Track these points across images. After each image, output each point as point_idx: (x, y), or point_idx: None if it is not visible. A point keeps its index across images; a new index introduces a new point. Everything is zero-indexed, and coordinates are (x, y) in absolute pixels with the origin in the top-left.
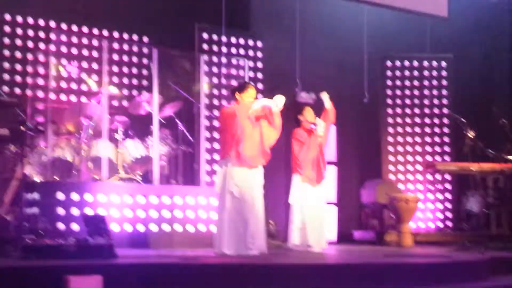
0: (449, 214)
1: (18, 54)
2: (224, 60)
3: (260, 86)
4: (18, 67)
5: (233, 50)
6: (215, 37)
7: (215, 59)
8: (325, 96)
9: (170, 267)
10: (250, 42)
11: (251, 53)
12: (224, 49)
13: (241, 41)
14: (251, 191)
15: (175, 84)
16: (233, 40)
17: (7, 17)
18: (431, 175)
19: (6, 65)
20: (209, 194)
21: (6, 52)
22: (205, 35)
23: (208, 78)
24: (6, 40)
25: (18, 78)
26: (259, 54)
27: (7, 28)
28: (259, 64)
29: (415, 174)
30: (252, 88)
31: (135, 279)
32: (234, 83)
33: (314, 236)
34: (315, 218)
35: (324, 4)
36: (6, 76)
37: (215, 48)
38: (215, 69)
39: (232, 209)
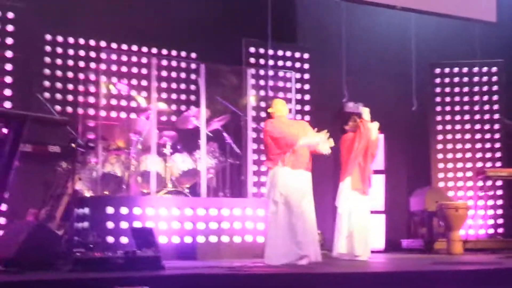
0: (500, 221)
1: (69, 74)
2: (271, 72)
3: (307, 97)
4: (70, 86)
5: (280, 63)
6: (261, 50)
7: (262, 72)
8: (374, 126)
9: (217, 277)
10: (297, 54)
11: (297, 65)
12: (271, 62)
13: (288, 53)
14: (298, 197)
15: (222, 98)
16: (280, 53)
17: (59, 38)
18: (481, 182)
19: (59, 85)
20: (256, 205)
21: (59, 73)
22: (252, 49)
23: (255, 91)
24: (58, 61)
25: (70, 97)
26: (306, 66)
27: (59, 49)
28: (306, 76)
29: (466, 181)
30: (279, 102)
31: None
32: (281, 95)
33: (361, 245)
34: (362, 227)
35: (371, 14)
36: (59, 96)
37: (262, 61)
38: (262, 82)
39: (278, 218)
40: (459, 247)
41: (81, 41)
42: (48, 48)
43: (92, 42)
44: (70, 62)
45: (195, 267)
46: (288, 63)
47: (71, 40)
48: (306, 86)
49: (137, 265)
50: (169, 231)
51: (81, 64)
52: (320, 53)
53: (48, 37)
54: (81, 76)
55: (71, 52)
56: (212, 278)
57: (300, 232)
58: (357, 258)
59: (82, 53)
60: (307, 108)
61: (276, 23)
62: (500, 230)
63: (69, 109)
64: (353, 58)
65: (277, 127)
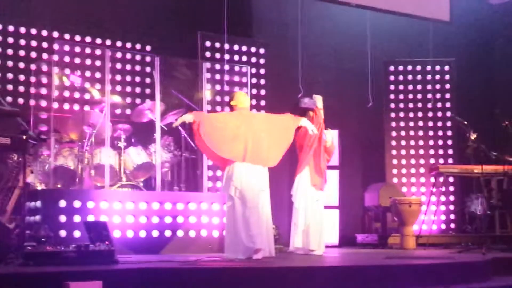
0: (452, 216)
1: (21, 65)
2: (226, 67)
3: (262, 92)
4: (22, 77)
5: (236, 57)
6: (217, 44)
7: (217, 66)
8: (329, 134)
9: (171, 271)
10: (253, 49)
11: (253, 60)
12: (226, 56)
13: (244, 48)
14: (253, 192)
15: (178, 91)
16: (236, 47)
17: (11, 28)
18: (434, 178)
19: (10, 75)
20: (212, 199)
21: (10, 63)
22: (208, 43)
23: (210, 85)
24: (9, 51)
25: (21, 88)
26: (262, 61)
27: (10, 39)
28: (262, 71)
29: (419, 177)
30: (241, 94)
31: (136, 284)
32: (236, 89)
33: (316, 239)
34: (318, 222)
35: (327, 10)
36: (10, 86)
37: (217, 55)
38: (217, 76)
39: (233, 213)
40: (412, 242)
41: (33, 31)
42: None
43: (44, 33)
44: (22, 53)
45: (149, 261)
46: (244, 58)
47: (22, 30)
48: (262, 81)
49: (90, 259)
50: (123, 225)
51: (33, 54)
52: (276, 48)
53: None
54: (33, 67)
55: (22, 42)
56: (167, 272)
57: (254, 226)
58: (312, 252)
59: (34, 43)
60: (262, 103)
61: (232, 17)
62: (452, 226)
63: (21, 100)
64: (309, 54)
65: (211, 138)
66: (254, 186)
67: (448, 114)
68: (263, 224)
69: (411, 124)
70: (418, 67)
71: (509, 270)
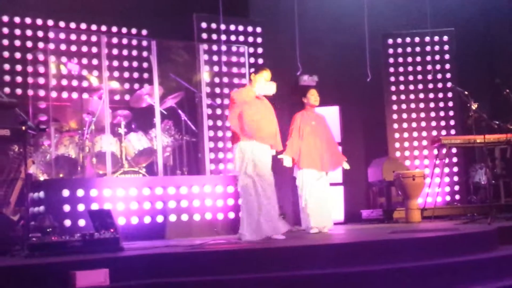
0: (457, 188)
1: (17, 55)
2: (224, 48)
3: None
4: (18, 67)
5: (233, 38)
6: (213, 25)
7: (214, 47)
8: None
9: (177, 256)
10: (249, 29)
11: (250, 39)
12: (223, 37)
13: (240, 28)
14: (266, 170)
15: (176, 75)
16: (232, 27)
17: (5, 18)
18: (437, 150)
19: (6, 66)
20: (215, 182)
21: (6, 54)
22: (204, 24)
23: (208, 66)
24: (5, 42)
25: (19, 79)
26: (259, 40)
27: (5, 30)
28: (259, 50)
29: (421, 150)
30: (266, 71)
31: (142, 270)
32: (234, 70)
33: (323, 217)
34: (323, 200)
35: None
36: (7, 77)
37: (214, 36)
38: (215, 58)
39: (252, 190)
40: (418, 215)
41: (28, 20)
42: None
43: (39, 21)
44: (18, 43)
45: (155, 247)
46: (241, 38)
47: (17, 19)
48: (260, 60)
49: (95, 248)
50: (128, 212)
51: (29, 44)
52: (272, 26)
53: None
54: (30, 56)
55: (17, 32)
56: (173, 257)
57: (272, 206)
58: (319, 230)
59: (29, 32)
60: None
61: None
62: (457, 197)
63: (19, 90)
64: (306, 31)
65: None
66: (267, 165)
67: (449, 85)
68: (275, 204)
69: (412, 96)
70: (417, 39)
71: None
